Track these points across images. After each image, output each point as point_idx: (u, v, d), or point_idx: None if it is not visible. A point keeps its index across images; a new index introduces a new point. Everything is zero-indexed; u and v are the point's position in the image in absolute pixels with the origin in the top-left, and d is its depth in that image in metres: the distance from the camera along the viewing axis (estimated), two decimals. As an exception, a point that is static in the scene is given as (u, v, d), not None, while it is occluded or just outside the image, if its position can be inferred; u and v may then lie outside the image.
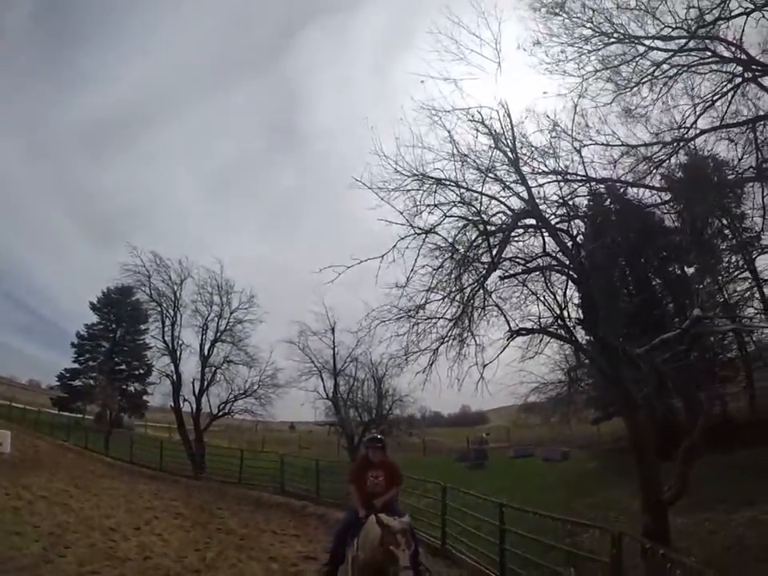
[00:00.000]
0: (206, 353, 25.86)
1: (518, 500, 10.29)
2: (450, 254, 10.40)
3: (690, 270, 16.96)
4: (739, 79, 12.73)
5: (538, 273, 10.74)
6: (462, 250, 10.35)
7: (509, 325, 10.51)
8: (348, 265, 10.29)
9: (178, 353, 25.98)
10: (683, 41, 12.69)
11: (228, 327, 26.36)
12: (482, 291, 10.41)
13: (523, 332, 10.67)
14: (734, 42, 12.51)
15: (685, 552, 9.08)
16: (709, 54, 12.75)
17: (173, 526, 12.66)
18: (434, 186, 10.41)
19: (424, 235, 10.32)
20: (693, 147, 14.04)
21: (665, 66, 13.01)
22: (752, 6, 12.05)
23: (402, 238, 10.25)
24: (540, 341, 11.25)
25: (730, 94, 12.87)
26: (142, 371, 41.90)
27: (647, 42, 12.90)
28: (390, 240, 10.21)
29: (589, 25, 12.94)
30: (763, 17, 12.17)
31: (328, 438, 31.68)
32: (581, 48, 13.01)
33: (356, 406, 24.53)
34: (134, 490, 17.47)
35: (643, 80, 12.99)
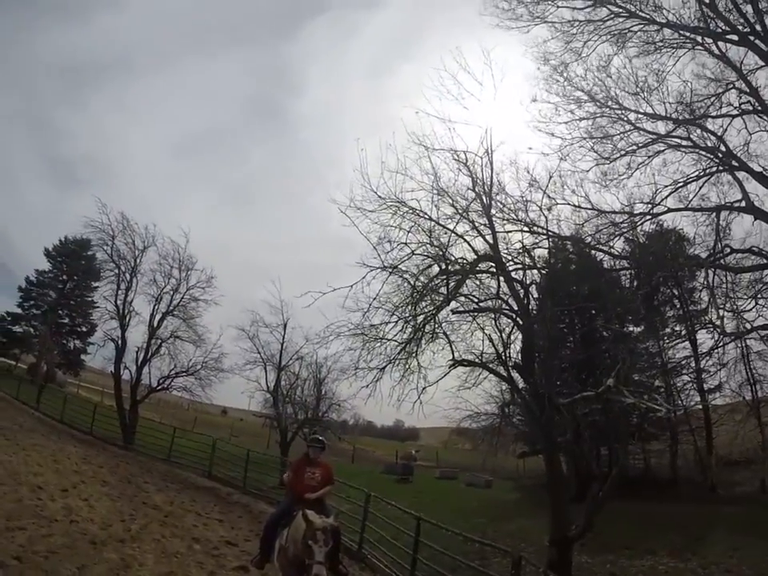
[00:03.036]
0: (155, 324, 25.46)
1: (438, 518, 10.83)
2: (411, 285, 11.07)
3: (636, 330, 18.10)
4: (714, 168, 13.75)
5: (488, 313, 11.47)
6: (423, 282, 11.03)
7: (453, 354, 11.27)
8: (323, 291, 10.78)
9: (127, 319, 25.51)
10: (669, 124, 13.69)
11: (182, 303, 26.00)
12: (434, 321, 11.11)
13: (465, 363, 11.43)
14: (716, 133, 13.59)
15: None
16: (691, 143, 13.76)
17: (99, 494, 12.62)
18: (409, 214, 11.05)
19: (390, 269, 10.96)
20: (658, 221, 15.08)
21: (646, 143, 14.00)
22: (737, 112, 13.17)
23: (371, 270, 10.91)
24: (479, 374, 12.05)
25: (703, 180, 13.88)
26: (84, 329, 40.92)
27: (633, 118, 13.82)
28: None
29: (585, 90, 13.84)
30: (744, 122, 13.29)
31: (261, 429, 31.84)
32: (572, 112, 13.90)
33: (294, 402, 24.69)
34: (63, 450, 17.22)
35: (624, 155, 13.91)
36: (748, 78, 13.28)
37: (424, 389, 10.91)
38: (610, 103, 14.00)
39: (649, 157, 14.02)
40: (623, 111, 14.01)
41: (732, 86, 13.60)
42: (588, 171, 13.88)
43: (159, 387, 25.53)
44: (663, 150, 14.10)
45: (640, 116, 14.00)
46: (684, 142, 13.93)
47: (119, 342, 25.25)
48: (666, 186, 13.92)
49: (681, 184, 13.93)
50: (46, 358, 37.25)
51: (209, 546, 10.29)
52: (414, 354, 11.05)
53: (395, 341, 11.12)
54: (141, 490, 14.41)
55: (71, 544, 8.44)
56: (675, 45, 13.89)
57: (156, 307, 25.73)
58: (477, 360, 11.48)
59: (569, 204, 13.14)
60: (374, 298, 10.92)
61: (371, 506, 11.94)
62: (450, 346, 11.24)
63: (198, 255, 26.73)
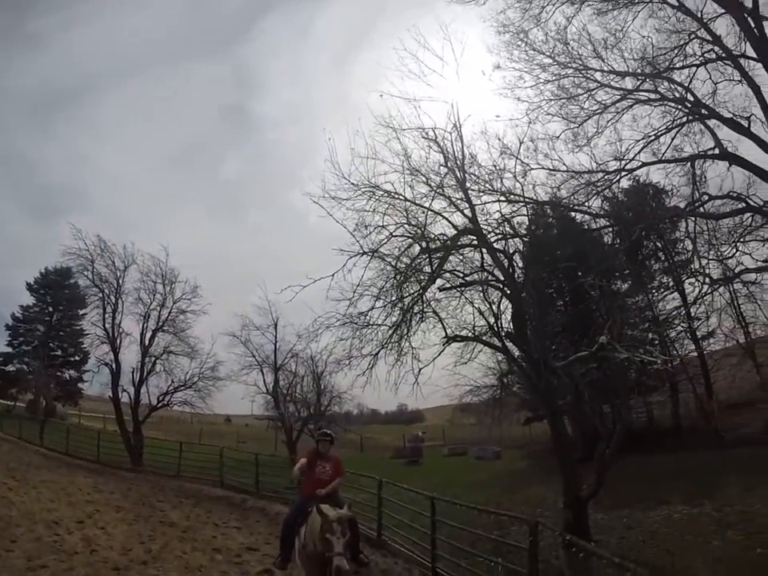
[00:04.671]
0: (146, 342, 25.43)
1: (451, 495, 10.92)
2: (393, 267, 11.06)
3: (624, 287, 18.28)
4: (684, 119, 13.80)
5: (475, 286, 11.52)
6: (406, 262, 11.03)
7: (445, 331, 11.27)
8: (303, 284, 10.72)
9: (118, 341, 25.42)
10: (635, 80, 13.69)
11: (170, 317, 26.01)
12: (421, 301, 11.13)
13: (458, 339, 11.45)
14: (683, 84, 13.63)
15: (602, 545, 10.05)
16: (658, 95, 13.79)
17: (115, 520, 12.62)
18: (384, 197, 11.02)
19: (370, 254, 10.94)
20: (634, 177, 15.14)
21: (614, 100, 14.01)
22: (700, 61, 13.22)
23: (351, 257, 10.87)
24: (474, 347, 12.07)
25: (674, 131, 13.89)
26: (78, 358, 40.72)
27: (599, 77, 13.81)
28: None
29: (548, 53, 13.81)
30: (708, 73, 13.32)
31: (266, 432, 31.89)
32: (538, 76, 13.88)
33: (295, 401, 24.74)
34: (73, 482, 17.16)
35: (592, 115, 13.92)
36: (709, 25, 13.32)
37: (420, 370, 10.94)
38: (573, 64, 13.97)
39: (618, 113, 14.02)
40: (587, 71, 14.00)
41: (694, 35, 13.57)
42: (559, 137, 13.87)
43: (159, 405, 25.56)
44: (631, 106, 14.08)
45: (605, 74, 13.99)
46: (652, 95, 13.94)
47: (113, 365, 25.20)
48: (638, 141, 13.93)
49: (652, 138, 13.93)
50: (44, 392, 36.98)
51: (230, 554, 10.34)
52: (405, 336, 11.06)
53: (385, 325, 11.13)
54: (156, 510, 14.40)
55: (94, 574, 8.47)
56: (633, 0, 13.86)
57: (145, 325, 25.74)
58: (470, 334, 11.53)
59: (543, 168, 13.16)
60: (358, 285, 10.92)
61: (385, 492, 11.97)
62: (442, 324, 11.27)
63: (187, 269, 27.11)
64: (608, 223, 15.09)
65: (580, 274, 16.70)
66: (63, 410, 40.21)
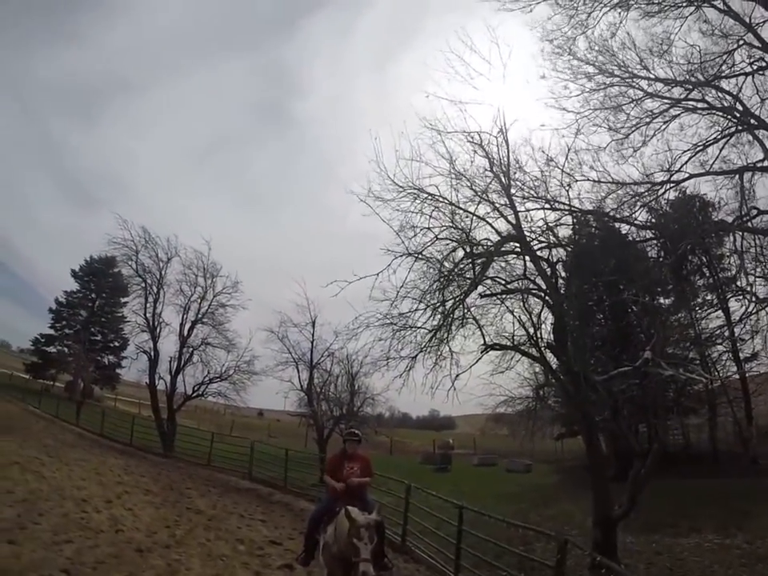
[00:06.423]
0: (185, 333, 25.89)
1: (479, 506, 10.76)
2: (437, 270, 10.93)
3: (667, 302, 17.72)
4: (732, 129, 13.35)
5: (516, 294, 11.33)
6: (449, 267, 10.90)
7: (484, 339, 11.06)
8: (349, 281, 10.69)
9: (158, 330, 26.04)
10: (682, 89, 13.31)
11: (210, 310, 26.39)
12: (462, 306, 10.94)
13: (497, 347, 11.26)
14: (732, 93, 13.18)
15: (630, 569, 9.77)
16: (706, 104, 13.37)
17: (143, 502, 12.82)
18: (428, 200, 10.92)
19: (415, 255, 10.85)
20: (681, 188, 14.69)
21: (661, 110, 13.63)
22: (750, 70, 12.75)
23: (396, 257, 10.80)
24: (512, 357, 11.88)
25: (722, 142, 13.46)
26: (117, 344, 41.93)
27: (645, 85, 13.47)
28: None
29: (593, 62, 13.53)
30: (755, 84, 12.87)
31: (298, 428, 32.07)
32: (583, 85, 13.59)
33: (328, 399, 24.77)
34: (105, 463, 17.56)
35: (639, 124, 13.57)
36: (757, 30, 12.85)
37: (457, 375, 10.74)
38: (619, 73, 13.65)
39: (665, 122, 13.64)
40: (633, 80, 13.65)
41: (742, 41, 13.14)
42: (605, 148, 13.55)
43: (194, 394, 25.93)
44: (678, 115, 13.69)
45: (651, 82, 13.63)
46: (699, 104, 13.52)
47: (152, 353, 25.80)
48: (685, 152, 13.54)
49: (700, 148, 13.54)
50: (82, 375, 38.07)
51: (253, 546, 10.38)
52: (444, 341, 10.90)
53: (425, 328, 10.98)
54: (183, 496, 14.61)
55: (118, 553, 8.54)
56: (680, 3, 13.46)
57: (185, 316, 26.22)
58: (508, 343, 11.34)
59: (588, 180, 12.87)
60: (402, 286, 10.83)
61: (412, 497, 11.88)
62: (481, 331, 11.08)
63: (223, 262, 27.17)
64: (653, 236, 14.67)
65: (622, 287, 16.27)
66: (100, 392, 41.52)
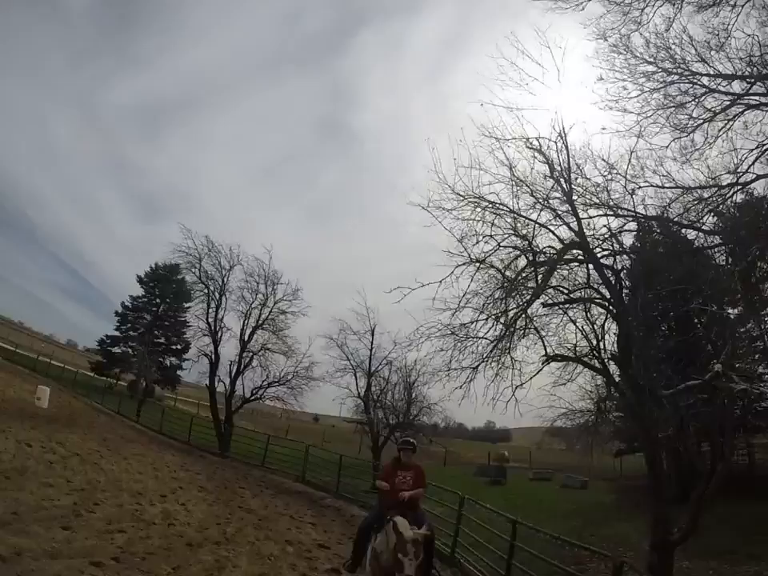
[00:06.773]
0: (245, 338, 26.38)
1: (532, 521, 10.39)
2: (501, 277, 10.69)
3: (734, 313, 16.77)
4: None
5: (579, 303, 10.96)
6: (511, 275, 10.63)
7: (545, 350, 10.71)
8: (412, 287, 10.49)
9: (219, 335, 26.68)
10: (744, 82, 12.58)
11: (270, 316, 26.82)
12: (524, 315, 10.63)
13: (559, 358, 10.87)
14: None
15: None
16: None
17: (196, 498, 13.11)
18: (489, 208, 10.71)
19: (478, 263, 10.63)
20: (748, 190, 13.89)
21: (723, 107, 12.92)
22: None
23: (458, 265, 10.55)
24: (574, 369, 11.41)
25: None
26: (179, 347, 43.62)
27: (706, 81, 12.79)
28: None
29: (651, 59, 12.98)
30: None
31: (353, 435, 32.22)
32: (642, 85, 13.03)
33: (384, 407, 24.73)
34: (162, 459, 18.11)
35: (701, 123, 12.91)
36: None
37: (518, 386, 10.44)
38: (678, 69, 13.00)
39: (728, 121, 12.89)
40: (693, 75, 12.97)
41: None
42: (667, 146, 12.93)
43: (252, 397, 26.34)
44: (742, 112, 12.88)
45: (711, 78, 12.91)
46: (763, 99, 12.71)
47: (213, 356, 26.42)
48: (752, 151, 12.68)
49: (767, 146, 12.76)
50: (145, 374, 39.63)
51: (301, 548, 10.41)
52: (506, 351, 10.62)
53: (486, 338, 10.71)
54: (236, 495, 14.84)
55: (168, 546, 8.70)
56: None
57: (246, 322, 26.71)
58: (570, 354, 10.94)
59: (651, 185, 12.30)
60: (464, 294, 10.58)
61: (465, 509, 11.66)
62: (542, 341, 10.75)
63: (286, 273, 27.63)
64: (721, 242, 13.91)
65: (688, 296, 15.51)
66: (161, 392, 43.24)
